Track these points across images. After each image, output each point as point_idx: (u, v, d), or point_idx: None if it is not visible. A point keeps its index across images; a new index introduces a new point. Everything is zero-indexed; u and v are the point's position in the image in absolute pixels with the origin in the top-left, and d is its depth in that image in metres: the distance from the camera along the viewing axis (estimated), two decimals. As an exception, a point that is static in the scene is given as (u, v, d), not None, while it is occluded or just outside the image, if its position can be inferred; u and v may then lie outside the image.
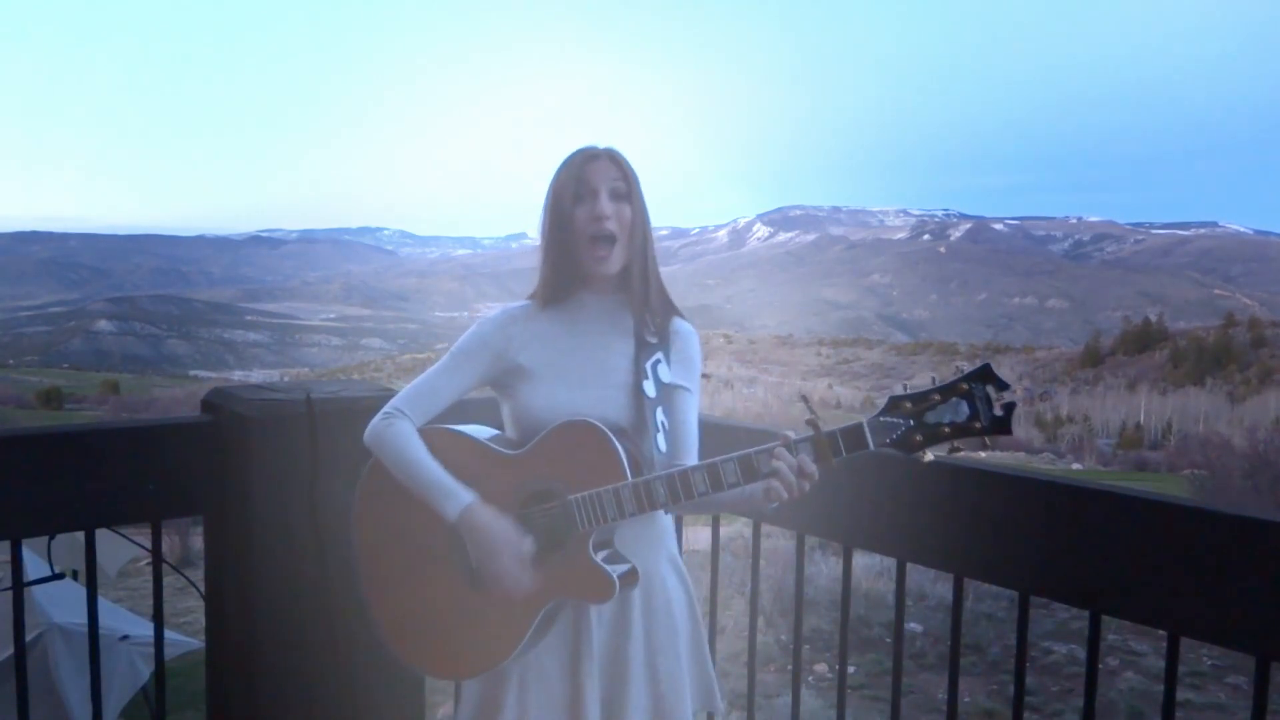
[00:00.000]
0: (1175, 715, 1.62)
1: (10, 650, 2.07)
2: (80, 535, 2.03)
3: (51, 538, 2.24)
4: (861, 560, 8.78)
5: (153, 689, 5.97)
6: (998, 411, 1.50)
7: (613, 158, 1.77)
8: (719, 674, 1.93)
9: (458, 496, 1.70)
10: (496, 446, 1.77)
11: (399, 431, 1.75)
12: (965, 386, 1.51)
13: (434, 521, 1.72)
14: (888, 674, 3.81)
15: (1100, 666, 1.90)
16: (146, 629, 6.52)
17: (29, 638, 3.96)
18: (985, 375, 1.50)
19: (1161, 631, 1.61)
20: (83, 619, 2.15)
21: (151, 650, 2.29)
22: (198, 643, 6.28)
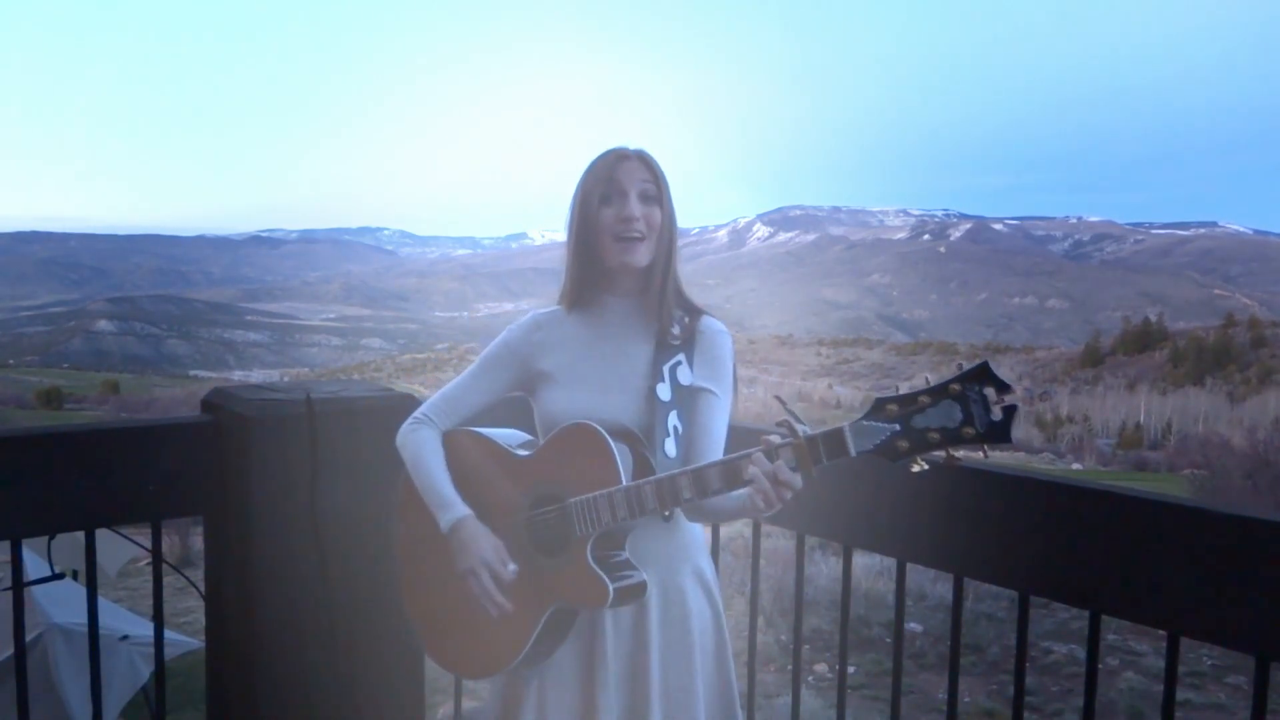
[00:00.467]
0: (1175, 715, 1.61)
1: (10, 650, 2.07)
2: (80, 535, 2.03)
3: (51, 538, 2.24)
4: (861, 560, 8.78)
5: (153, 689, 5.97)
6: (995, 416, 1.35)
7: (644, 159, 1.76)
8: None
9: (452, 509, 1.74)
10: (514, 450, 1.79)
11: (420, 438, 1.81)
12: (957, 388, 1.36)
13: None
14: (888, 674, 3.80)
15: (1100, 666, 1.90)
16: (146, 629, 6.52)
17: (29, 638, 3.96)
18: (982, 375, 1.35)
19: (1161, 631, 1.61)
20: (83, 619, 2.15)
21: (151, 650, 2.29)
22: (198, 643, 6.28)
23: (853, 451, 1.42)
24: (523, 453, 1.77)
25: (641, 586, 1.68)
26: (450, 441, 1.83)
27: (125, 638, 6.31)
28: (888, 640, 7.63)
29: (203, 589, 2.28)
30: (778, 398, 1.56)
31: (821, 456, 1.45)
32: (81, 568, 2.12)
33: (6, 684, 2.31)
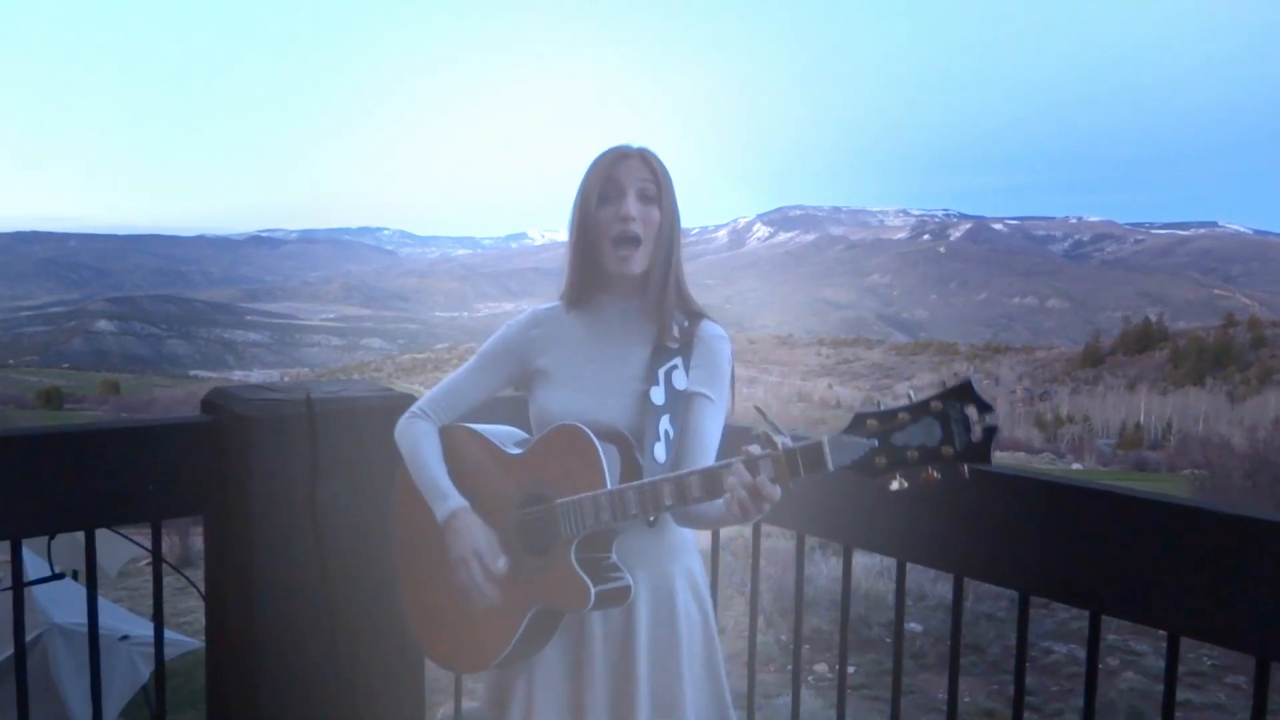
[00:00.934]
0: (1175, 715, 1.62)
1: (10, 650, 2.07)
2: (80, 535, 2.03)
3: (51, 538, 2.24)
4: (861, 560, 8.77)
5: (153, 689, 5.97)
6: (975, 436, 1.33)
7: (644, 158, 1.74)
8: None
9: (448, 500, 1.74)
10: (506, 448, 1.79)
11: (418, 431, 1.82)
12: (939, 405, 1.35)
13: None
14: (888, 674, 3.80)
15: (1100, 666, 1.89)
16: (146, 629, 6.52)
17: (29, 638, 3.96)
18: (964, 394, 1.34)
19: (1161, 631, 1.61)
20: (83, 619, 2.15)
21: (151, 650, 2.29)
22: (198, 643, 6.28)
23: (830, 466, 1.42)
24: (515, 451, 1.77)
25: (626, 590, 1.68)
26: (446, 437, 1.83)
27: (125, 638, 6.31)
28: (888, 640, 7.63)
29: (203, 589, 2.28)
30: (757, 408, 1.52)
31: (799, 469, 1.44)
32: (81, 568, 2.12)
33: (6, 684, 2.31)
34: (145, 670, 6.33)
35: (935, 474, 1.37)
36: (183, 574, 3.09)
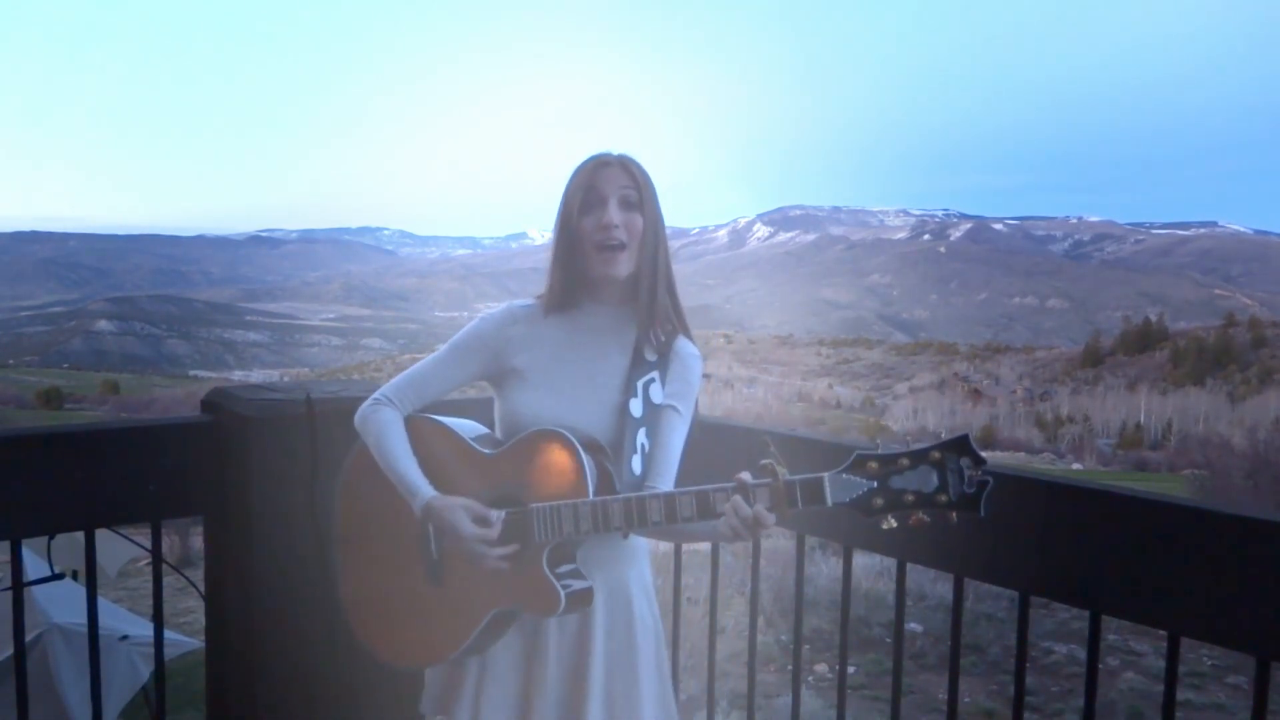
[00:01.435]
0: (1175, 715, 1.62)
1: (10, 650, 2.07)
2: (80, 535, 2.03)
3: (51, 538, 2.24)
4: (861, 560, 8.77)
5: (153, 689, 5.97)
6: (968, 488, 1.43)
7: (625, 165, 1.73)
8: (719, 675, 1.93)
9: (420, 493, 1.69)
10: (476, 445, 1.76)
11: (382, 419, 1.76)
12: (937, 455, 1.43)
13: (407, 511, 1.72)
14: (888, 674, 3.81)
15: (1100, 666, 1.89)
16: (146, 629, 6.52)
17: (29, 638, 3.96)
18: (961, 446, 1.43)
19: (1161, 631, 1.61)
20: (83, 619, 2.15)
21: (151, 650, 2.29)
22: (198, 643, 6.28)
23: (829, 502, 1.46)
24: (485, 450, 1.74)
25: (589, 593, 1.69)
26: (410, 427, 1.78)
27: (125, 638, 6.31)
28: (888, 640, 7.63)
29: (203, 589, 2.28)
30: (767, 438, 1.55)
31: (798, 502, 1.48)
32: (81, 568, 2.12)
33: (6, 684, 2.31)
34: (145, 670, 6.33)
35: (924, 517, 1.45)
36: (183, 574, 3.09)
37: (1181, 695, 4.00)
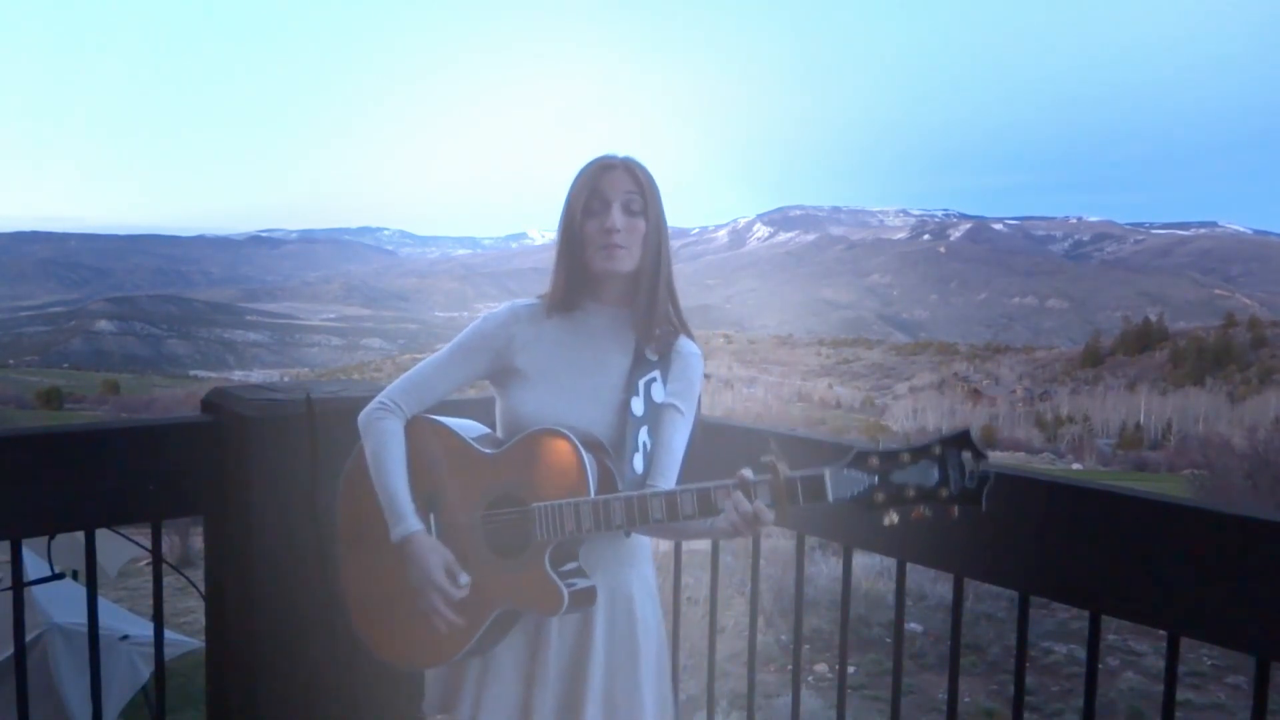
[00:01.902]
0: (1175, 715, 1.62)
1: (10, 650, 2.07)
2: (80, 535, 2.03)
3: (51, 538, 2.24)
4: (861, 560, 8.78)
5: (153, 689, 5.97)
6: (969, 482, 1.43)
7: (629, 169, 1.73)
8: (719, 674, 1.93)
9: (405, 521, 1.70)
10: (477, 445, 1.76)
11: (384, 429, 1.76)
12: (938, 450, 1.43)
13: None
14: (888, 674, 3.81)
15: (1100, 666, 1.90)
16: (146, 629, 6.52)
17: (29, 638, 3.96)
18: (962, 441, 1.43)
19: (1161, 631, 1.61)
20: (83, 619, 2.15)
21: (151, 650, 2.29)
22: (198, 643, 6.28)
23: (830, 498, 1.46)
24: (486, 450, 1.74)
25: (591, 592, 1.69)
26: (411, 428, 1.79)
27: (125, 638, 6.30)
28: (888, 640, 7.63)
29: (203, 589, 2.28)
30: (771, 439, 1.55)
31: (799, 499, 1.48)
32: (81, 568, 2.13)
33: (6, 684, 2.31)
34: (145, 670, 6.32)
35: (926, 511, 1.44)
36: (183, 574, 3.09)
37: (1181, 695, 4.01)
